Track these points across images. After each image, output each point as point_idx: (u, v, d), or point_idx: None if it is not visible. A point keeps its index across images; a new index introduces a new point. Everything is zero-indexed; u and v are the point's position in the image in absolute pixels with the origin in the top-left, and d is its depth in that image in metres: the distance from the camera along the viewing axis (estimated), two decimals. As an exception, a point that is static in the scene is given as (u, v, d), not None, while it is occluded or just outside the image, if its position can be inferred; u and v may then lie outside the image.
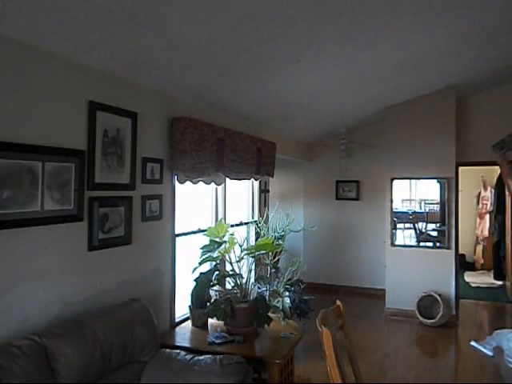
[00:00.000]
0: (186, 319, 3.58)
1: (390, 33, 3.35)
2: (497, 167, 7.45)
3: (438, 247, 5.81)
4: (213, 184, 4.02)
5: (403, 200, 8.66)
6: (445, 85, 5.50)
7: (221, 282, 3.52)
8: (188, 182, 3.57)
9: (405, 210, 8.45)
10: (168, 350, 2.73)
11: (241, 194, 5.22)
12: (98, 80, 2.75)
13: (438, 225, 6.02)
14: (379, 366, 4.24)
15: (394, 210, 6.10)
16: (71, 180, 2.53)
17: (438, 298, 5.38)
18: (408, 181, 6.20)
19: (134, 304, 2.76)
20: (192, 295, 3.46)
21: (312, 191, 7.52)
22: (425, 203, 8.60)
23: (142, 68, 2.93)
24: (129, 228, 3.01)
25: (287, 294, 3.90)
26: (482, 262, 8.71)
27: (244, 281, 3.44)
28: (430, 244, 6.05)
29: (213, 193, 4.40)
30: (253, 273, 3.77)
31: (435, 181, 5.93)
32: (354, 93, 4.92)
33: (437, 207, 6.00)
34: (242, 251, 3.52)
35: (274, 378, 2.84)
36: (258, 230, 4.61)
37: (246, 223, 5.15)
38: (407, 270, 5.84)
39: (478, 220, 8.78)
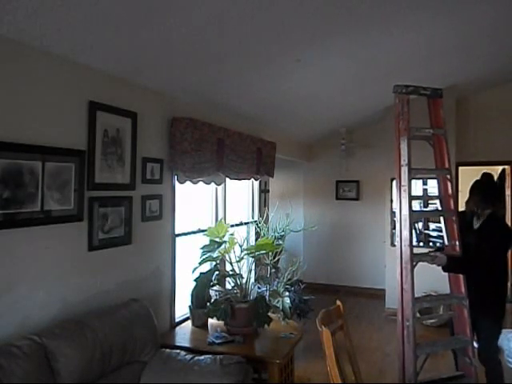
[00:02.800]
0: (186, 319, 3.58)
1: (390, 33, 3.35)
2: (497, 167, 7.45)
3: (438, 247, 5.78)
4: (213, 184, 4.02)
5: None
6: (445, 85, 5.49)
7: (221, 282, 3.53)
8: (188, 182, 3.58)
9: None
10: (168, 350, 2.73)
11: (241, 193, 5.22)
12: (97, 80, 2.75)
13: (437, 225, 6.01)
14: (379, 366, 4.24)
15: (394, 210, 6.08)
16: (71, 180, 2.53)
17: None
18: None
19: (134, 304, 2.76)
20: (192, 295, 3.46)
21: (312, 191, 7.52)
22: (423, 204, 8.58)
23: (142, 68, 2.93)
24: (129, 228, 3.01)
25: (287, 293, 3.90)
26: (481, 261, 8.69)
27: (244, 281, 3.44)
28: (430, 243, 6.04)
29: (213, 193, 4.40)
30: (253, 273, 3.77)
31: (435, 181, 5.91)
32: (354, 93, 4.92)
33: (435, 207, 5.99)
34: (241, 251, 3.52)
35: (273, 378, 2.84)
36: (258, 229, 4.61)
37: (246, 223, 5.15)
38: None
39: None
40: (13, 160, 2.17)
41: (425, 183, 5.95)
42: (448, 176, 3.19)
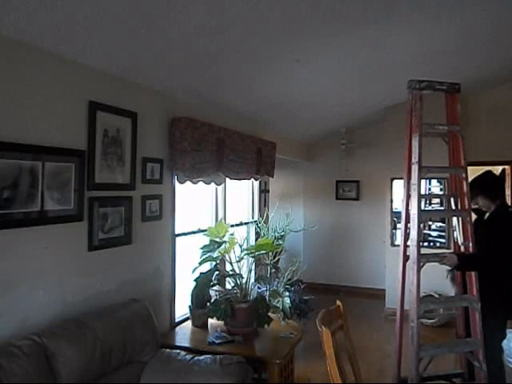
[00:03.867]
0: (186, 319, 3.58)
1: (390, 32, 3.35)
2: (497, 167, 7.45)
3: (439, 247, 5.80)
4: (213, 184, 4.02)
5: (403, 200, 8.65)
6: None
7: (221, 282, 3.53)
8: (188, 182, 3.57)
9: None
10: (168, 350, 2.73)
11: (241, 193, 5.22)
12: (98, 80, 2.75)
13: (437, 224, 6.02)
14: (379, 366, 4.24)
15: (394, 210, 6.10)
16: (71, 180, 2.52)
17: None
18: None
19: (134, 304, 2.76)
20: (192, 295, 3.46)
21: (312, 191, 7.52)
22: (425, 203, 8.59)
23: (141, 68, 2.93)
24: (129, 228, 3.01)
25: (287, 294, 3.90)
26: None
27: (244, 281, 3.44)
28: (431, 243, 6.04)
29: (213, 193, 4.40)
30: (253, 273, 3.77)
31: (435, 181, 5.93)
32: (354, 93, 4.92)
33: (437, 207, 6.00)
34: (242, 251, 3.52)
35: (273, 378, 2.84)
36: (258, 229, 4.61)
37: (246, 223, 5.15)
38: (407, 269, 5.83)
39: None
40: (13, 160, 2.17)
41: (429, 182, 5.96)
42: (463, 175, 3.10)
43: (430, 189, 6.01)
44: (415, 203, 2.91)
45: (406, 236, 3.12)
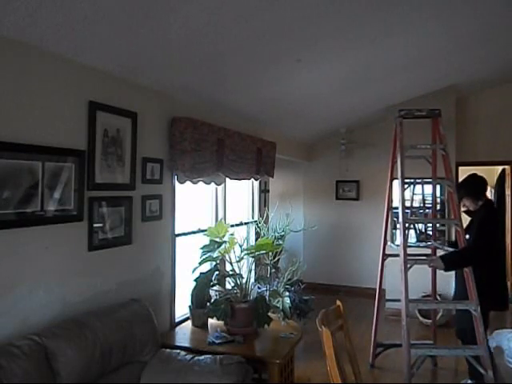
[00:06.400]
0: (186, 319, 3.58)
1: (390, 32, 3.35)
2: (497, 167, 7.44)
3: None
4: (213, 184, 4.02)
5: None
6: (445, 85, 5.50)
7: (221, 282, 3.52)
8: (188, 182, 3.57)
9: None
10: (168, 350, 2.73)
11: (241, 193, 5.22)
12: (98, 80, 2.75)
13: (437, 224, 6.01)
14: (379, 366, 4.24)
15: (394, 211, 6.08)
16: (71, 180, 2.52)
17: (438, 298, 5.37)
18: (408, 180, 6.20)
19: (134, 304, 2.76)
20: (192, 295, 3.46)
21: (312, 191, 7.52)
22: (425, 203, 8.58)
23: (142, 68, 2.93)
24: (129, 228, 3.01)
25: (287, 294, 3.90)
26: (482, 261, 8.67)
27: (244, 281, 3.44)
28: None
29: (213, 193, 4.40)
30: (253, 273, 3.77)
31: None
32: (354, 93, 4.92)
33: (437, 207, 6.00)
34: (242, 251, 3.52)
35: (273, 378, 2.84)
36: (258, 229, 4.61)
37: (246, 223, 5.15)
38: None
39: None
40: (13, 160, 2.17)
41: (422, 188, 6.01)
42: (449, 186, 3.57)
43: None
44: (401, 213, 3.43)
45: (385, 238, 4.09)
